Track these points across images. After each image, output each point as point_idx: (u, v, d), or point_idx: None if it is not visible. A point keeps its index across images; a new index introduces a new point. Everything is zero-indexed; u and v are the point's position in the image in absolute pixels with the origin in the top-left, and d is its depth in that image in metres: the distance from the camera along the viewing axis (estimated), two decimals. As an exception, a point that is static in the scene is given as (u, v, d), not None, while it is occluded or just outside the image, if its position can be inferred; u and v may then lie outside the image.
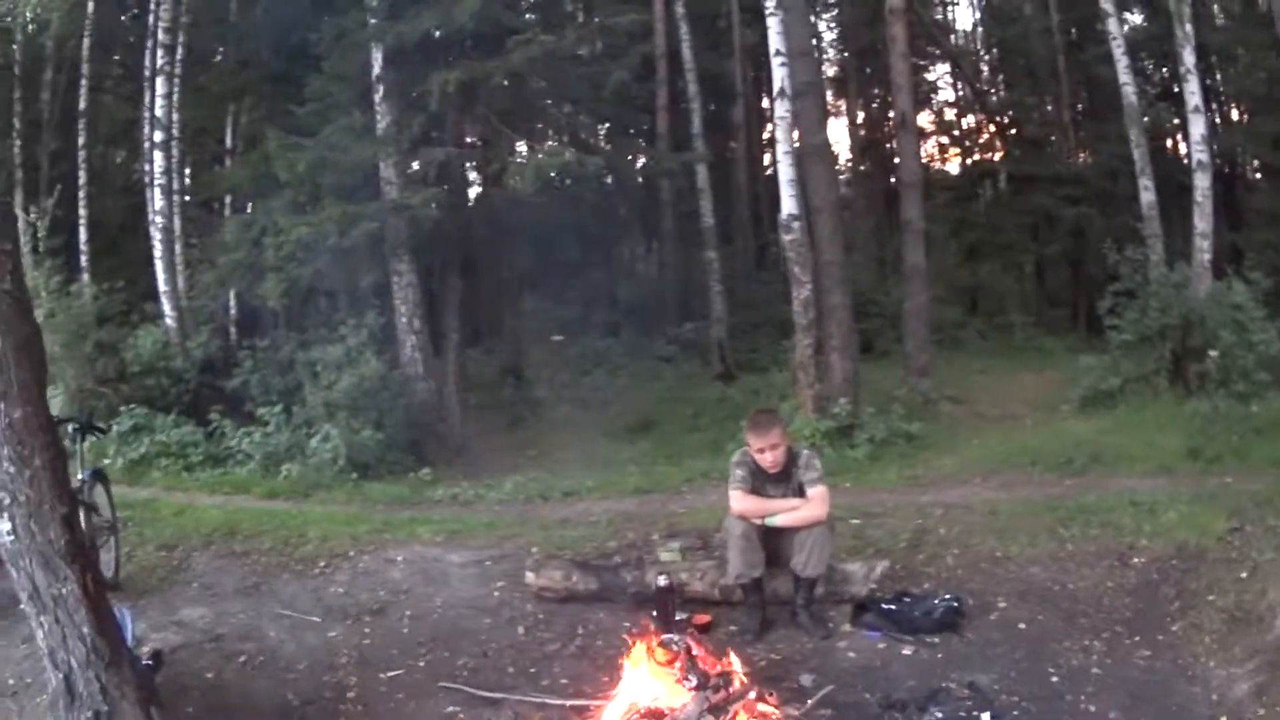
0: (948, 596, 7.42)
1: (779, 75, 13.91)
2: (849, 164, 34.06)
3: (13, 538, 4.88)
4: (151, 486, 12.89)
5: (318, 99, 16.43)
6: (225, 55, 22.18)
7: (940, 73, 32.94)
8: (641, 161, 22.84)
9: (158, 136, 17.93)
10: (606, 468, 13.55)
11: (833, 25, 33.54)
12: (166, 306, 17.18)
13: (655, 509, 10.98)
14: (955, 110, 33.34)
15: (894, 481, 11.71)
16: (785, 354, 15.47)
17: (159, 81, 17.97)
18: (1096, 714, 5.93)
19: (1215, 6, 22.86)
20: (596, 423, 17.12)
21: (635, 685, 5.79)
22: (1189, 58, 16.54)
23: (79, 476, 8.18)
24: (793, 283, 13.96)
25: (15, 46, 20.56)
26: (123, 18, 22.59)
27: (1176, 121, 21.54)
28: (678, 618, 6.85)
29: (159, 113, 17.92)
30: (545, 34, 15.13)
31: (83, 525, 7.11)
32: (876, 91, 32.55)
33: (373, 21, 15.51)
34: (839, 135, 33.03)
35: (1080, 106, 26.78)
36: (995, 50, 31.17)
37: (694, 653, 5.85)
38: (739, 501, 7.25)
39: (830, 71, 33.92)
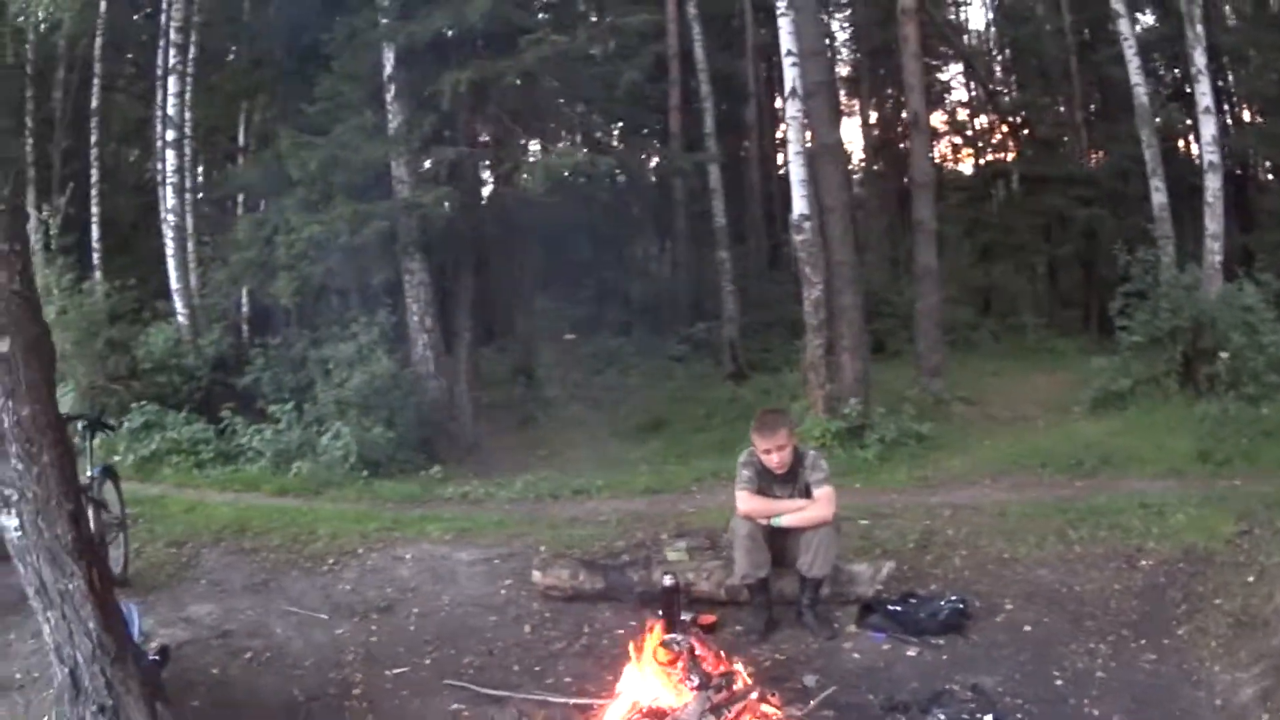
0: (953, 598, 7.40)
1: (790, 75, 13.90)
2: (862, 164, 34.08)
3: (20, 533, 4.89)
4: (162, 483, 12.93)
5: (330, 98, 16.45)
6: (237, 54, 22.23)
7: (953, 73, 32.85)
8: (654, 161, 22.88)
9: (170, 135, 17.98)
10: (617, 467, 13.57)
11: (846, 25, 33.54)
12: (178, 304, 17.25)
13: (665, 508, 11.00)
14: (968, 110, 33.23)
15: (904, 482, 11.71)
16: (797, 354, 15.42)
17: (171, 80, 18.02)
18: (1100, 718, 5.90)
19: (1227, 7, 22.76)
20: (607, 422, 17.13)
21: (638, 685, 5.80)
22: (1200, 59, 16.47)
23: (89, 473, 8.20)
24: (804, 283, 13.95)
25: (28, 45, 20.60)
26: (135, 17, 22.61)
27: (1188, 122, 21.42)
28: (683, 617, 6.85)
29: (171, 111, 17.96)
30: (557, 34, 15.17)
31: (91, 522, 7.17)
32: (890, 91, 32.40)
33: (384, 21, 15.55)
34: (852, 135, 33.14)
35: (1093, 107, 26.68)
36: (1008, 50, 31.11)
37: (696, 652, 5.86)
38: (745, 502, 7.26)
39: (843, 71, 33.91)
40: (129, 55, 23.58)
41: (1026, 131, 27.91)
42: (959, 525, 9.41)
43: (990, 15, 32.18)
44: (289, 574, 9.04)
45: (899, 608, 7.30)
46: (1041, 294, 27.65)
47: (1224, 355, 13.85)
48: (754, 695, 5.59)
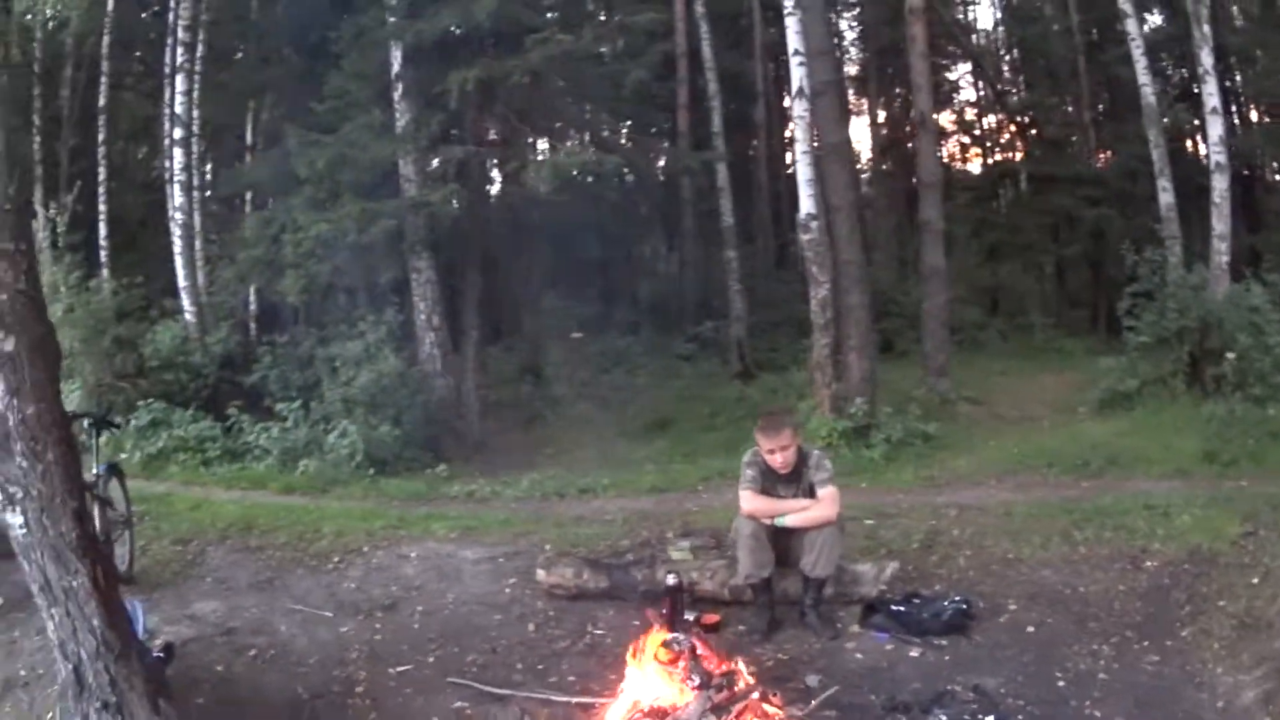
0: (957, 599, 7.41)
1: (797, 75, 13.86)
2: (870, 163, 33.98)
3: (25, 531, 4.93)
4: (169, 481, 12.96)
5: (337, 96, 16.47)
6: (245, 52, 22.28)
7: (961, 72, 32.74)
8: (662, 160, 22.89)
9: (178, 133, 18.03)
10: (623, 466, 13.58)
11: (854, 24, 33.46)
12: (186, 302, 17.26)
13: (671, 507, 11.00)
14: (976, 110, 33.18)
15: (910, 482, 11.71)
16: (804, 353, 15.43)
17: (179, 78, 18.04)
18: (1101, 719, 5.92)
19: (1234, 8, 22.71)
20: (614, 421, 17.11)
21: (639, 684, 5.81)
22: (1207, 59, 16.44)
23: (94, 471, 8.23)
24: (810, 282, 13.92)
25: (35, 43, 20.65)
26: (143, 15, 22.60)
27: (1195, 123, 21.36)
28: (687, 617, 6.87)
29: (179, 109, 18.01)
30: (564, 33, 15.16)
31: (96, 519, 7.21)
32: (898, 91, 32.36)
33: (392, 20, 15.58)
34: (860, 134, 33.05)
35: (1100, 107, 26.63)
36: (1016, 50, 31.07)
37: (698, 652, 5.87)
38: (749, 501, 7.28)
39: (851, 70, 33.81)
40: (137, 53, 23.57)
41: (1034, 131, 27.87)
42: (964, 525, 9.40)
43: (998, 15, 32.13)
44: (294, 572, 9.06)
45: (902, 608, 7.31)
46: (1049, 294, 27.55)
47: (1230, 356, 13.81)
48: (755, 695, 5.61)
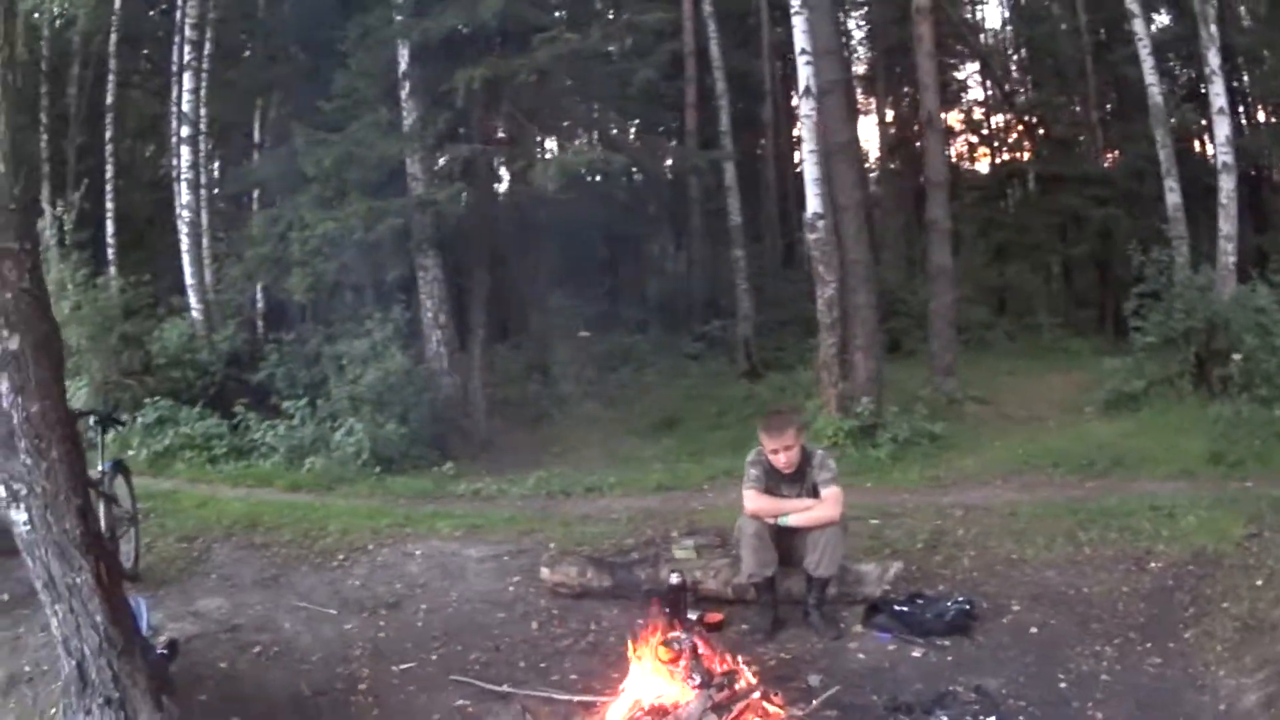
0: (960, 599, 7.41)
1: (804, 74, 13.85)
2: (878, 162, 34.00)
3: (29, 528, 4.95)
4: (175, 478, 12.97)
5: (344, 95, 16.49)
6: (253, 51, 22.29)
7: (969, 72, 32.72)
8: (669, 159, 22.86)
9: (185, 131, 18.04)
10: (630, 464, 13.60)
11: (861, 23, 33.50)
12: (193, 300, 17.32)
13: (677, 506, 11.02)
14: (983, 109, 33.13)
15: (915, 482, 11.70)
16: (811, 352, 15.40)
17: (186, 76, 18.08)
18: (1103, 720, 5.93)
19: (1241, 8, 22.67)
20: (621, 419, 17.14)
21: (640, 682, 5.82)
22: (1214, 59, 16.39)
23: (100, 468, 8.25)
24: (817, 282, 13.91)
25: (43, 41, 20.65)
26: (150, 13, 22.62)
27: (1203, 123, 21.33)
28: (690, 616, 6.88)
29: (186, 108, 18.03)
30: (571, 31, 15.17)
31: (102, 516, 7.22)
32: (905, 90, 32.30)
33: (398, 18, 15.58)
34: (868, 133, 33.05)
35: (1108, 107, 26.62)
36: (1023, 50, 31.00)
37: (699, 651, 5.87)
38: (752, 501, 7.29)
39: (859, 69, 33.81)
40: (144, 51, 23.62)
41: (1042, 131, 27.80)
42: (969, 525, 9.40)
43: (1006, 14, 32.10)
44: (299, 569, 9.09)
45: (905, 608, 7.31)
46: (1056, 294, 27.51)
47: (1237, 357, 13.78)
48: (756, 694, 5.61)
